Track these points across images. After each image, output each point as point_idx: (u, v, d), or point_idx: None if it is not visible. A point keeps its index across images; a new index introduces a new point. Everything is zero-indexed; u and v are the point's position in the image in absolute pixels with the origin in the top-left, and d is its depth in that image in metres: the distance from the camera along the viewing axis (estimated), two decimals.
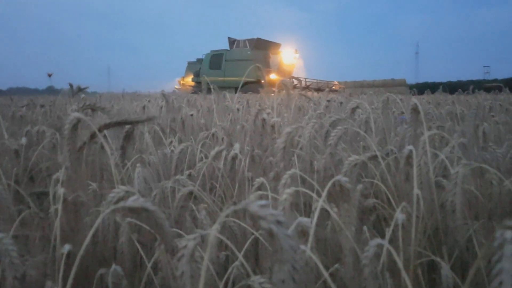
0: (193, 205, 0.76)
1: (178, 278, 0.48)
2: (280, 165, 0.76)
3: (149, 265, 0.57)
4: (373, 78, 17.99)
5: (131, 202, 0.43)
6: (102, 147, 0.79)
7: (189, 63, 23.69)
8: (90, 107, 0.78)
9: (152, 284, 0.62)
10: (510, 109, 2.50)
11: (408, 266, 0.57)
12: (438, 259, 0.59)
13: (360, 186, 0.81)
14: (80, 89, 2.44)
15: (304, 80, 18.12)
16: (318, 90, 15.21)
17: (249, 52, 20.07)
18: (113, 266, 0.62)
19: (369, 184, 0.91)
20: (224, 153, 1.05)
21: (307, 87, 16.42)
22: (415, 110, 0.72)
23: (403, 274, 0.41)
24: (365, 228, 0.65)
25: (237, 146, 1.03)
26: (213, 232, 0.43)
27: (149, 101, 2.49)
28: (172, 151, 1.05)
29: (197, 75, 21.48)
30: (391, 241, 0.62)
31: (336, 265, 0.61)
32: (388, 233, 0.57)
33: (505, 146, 1.18)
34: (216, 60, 21.20)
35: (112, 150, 0.87)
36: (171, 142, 1.49)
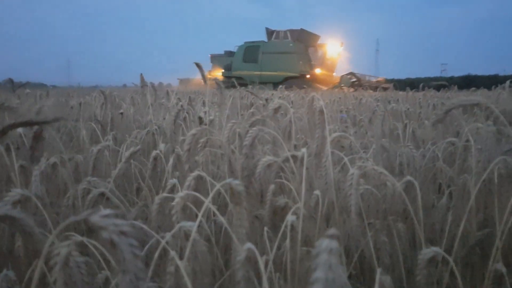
0: (102, 207, 0.75)
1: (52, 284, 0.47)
2: (185, 167, 0.76)
3: (38, 270, 0.55)
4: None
5: None
6: (7, 148, 0.76)
7: (214, 56, 21.77)
8: None
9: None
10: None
11: (295, 268, 0.58)
12: None
13: (272, 187, 0.82)
14: (21, 84, 2.36)
15: (365, 76, 17.00)
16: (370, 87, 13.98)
17: (291, 44, 18.42)
18: (5, 271, 0.60)
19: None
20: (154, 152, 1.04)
21: (361, 84, 15.19)
22: (321, 112, 0.74)
23: (264, 278, 0.42)
24: (265, 229, 0.66)
25: (162, 145, 1.02)
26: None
27: (95, 97, 2.43)
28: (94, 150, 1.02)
29: (227, 69, 19.51)
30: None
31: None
32: (279, 235, 0.58)
33: (427, 145, 1.23)
34: (251, 52, 19.16)
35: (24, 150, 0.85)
36: (106, 140, 1.46)
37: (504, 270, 0.59)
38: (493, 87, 3.61)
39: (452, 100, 0.68)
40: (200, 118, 1.47)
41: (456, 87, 4.84)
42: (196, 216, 0.67)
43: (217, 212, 0.54)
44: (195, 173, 0.67)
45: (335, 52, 19.51)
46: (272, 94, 4.19)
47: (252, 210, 0.87)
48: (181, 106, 1.27)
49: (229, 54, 20.79)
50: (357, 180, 0.64)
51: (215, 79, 1.39)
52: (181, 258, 0.54)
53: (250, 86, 4.43)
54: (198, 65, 1.54)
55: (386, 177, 0.65)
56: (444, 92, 4.71)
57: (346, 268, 0.73)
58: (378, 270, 0.44)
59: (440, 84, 4.27)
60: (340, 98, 3.19)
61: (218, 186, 0.55)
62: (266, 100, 1.76)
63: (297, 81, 15.32)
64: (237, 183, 0.56)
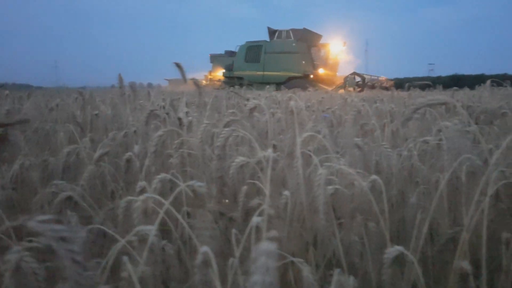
0: (68, 211, 0.74)
1: None
2: (152, 169, 0.75)
3: None
4: None
5: None
6: None
7: (214, 56, 21.37)
8: None
9: None
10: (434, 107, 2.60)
11: None
12: (299, 260, 0.60)
13: (245, 188, 0.81)
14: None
15: (370, 76, 16.61)
16: (372, 87, 13.59)
17: (294, 44, 18.06)
18: None
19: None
20: (127, 154, 1.03)
21: (366, 84, 14.74)
22: (291, 112, 0.73)
23: (216, 281, 0.41)
24: (234, 231, 0.65)
25: (136, 147, 1.01)
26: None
27: (76, 98, 2.41)
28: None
29: (228, 69, 19.24)
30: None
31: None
32: (245, 237, 0.57)
33: (408, 144, 1.23)
34: (253, 52, 18.82)
35: None
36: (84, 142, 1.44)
37: (469, 268, 0.59)
38: (476, 86, 3.66)
39: (420, 100, 0.68)
40: (179, 119, 1.46)
41: (441, 86, 4.89)
42: (164, 218, 0.66)
43: (178, 215, 0.53)
44: (162, 175, 0.66)
45: (338, 52, 19.28)
46: (259, 95, 4.19)
47: (225, 212, 0.86)
48: (159, 106, 1.25)
49: (230, 54, 20.47)
50: (324, 180, 0.63)
51: (194, 80, 1.37)
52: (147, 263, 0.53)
53: (236, 86, 4.41)
54: (178, 65, 1.53)
55: (353, 176, 0.65)
56: (429, 91, 4.75)
57: (317, 269, 0.72)
58: (336, 271, 0.43)
59: (425, 83, 4.30)
60: (323, 98, 3.20)
61: (181, 186, 0.54)
62: (248, 100, 1.75)
63: (300, 81, 15.19)
64: (200, 185, 0.55)
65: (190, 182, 0.55)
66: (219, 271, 0.61)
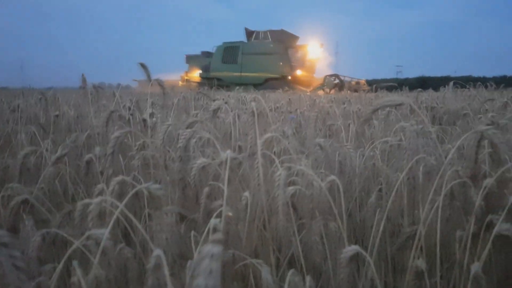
0: (24, 215, 0.71)
1: None
2: (109, 171, 0.73)
3: None
4: None
5: None
6: None
7: (190, 57, 21.20)
8: None
9: None
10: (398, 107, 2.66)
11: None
12: (258, 261, 0.60)
13: (206, 189, 0.81)
14: None
15: (350, 78, 16.48)
16: (340, 88, 13.48)
17: (271, 45, 18.17)
18: None
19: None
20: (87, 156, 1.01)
21: (343, 86, 14.54)
22: (253, 112, 0.73)
23: (168, 283, 0.41)
24: (192, 232, 0.64)
25: (97, 149, 0.99)
26: None
27: (40, 98, 2.34)
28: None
29: (205, 70, 19.20)
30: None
31: None
32: (202, 238, 0.57)
33: (368, 145, 1.25)
34: (230, 53, 18.85)
35: None
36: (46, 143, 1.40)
37: (424, 266, 0.60)
38: (441, 88, 3.77)
39: (377, 101, 0.69)
40: (144, 120, 1.44)
41: (407, 88, 5.01)
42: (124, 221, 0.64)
43: (132, 218, 0.52)
44: (120, 177, 0.65)
45: (315, 54, 19.39)
46: (228, 96, 4.18)
47: (187, 214, 0.85)
48: (124, 107, 1.23)
49: (206, 54, 20.34)
50: (284, 181, 0.64)
51: (158, 81, 1.35)
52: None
53: (206, 88, 4.39)
54: (142, 65, 1.51)
55: (312, 177, 0.65)
56: (396, 92, 4.86)
57: (278, 269, 0.72)
58: (290, 271, 0.43)
59: (391, 85, 4.41)
60: (290, 99, 3.22)
61: (137, 188, 0.53)
62: (214, 101, 1.75)
63: (278, 82, 15.21)
64: (156, 187, 0.54)
65: (146, 184, 0.54)
66: (178, 273, 0.61)
